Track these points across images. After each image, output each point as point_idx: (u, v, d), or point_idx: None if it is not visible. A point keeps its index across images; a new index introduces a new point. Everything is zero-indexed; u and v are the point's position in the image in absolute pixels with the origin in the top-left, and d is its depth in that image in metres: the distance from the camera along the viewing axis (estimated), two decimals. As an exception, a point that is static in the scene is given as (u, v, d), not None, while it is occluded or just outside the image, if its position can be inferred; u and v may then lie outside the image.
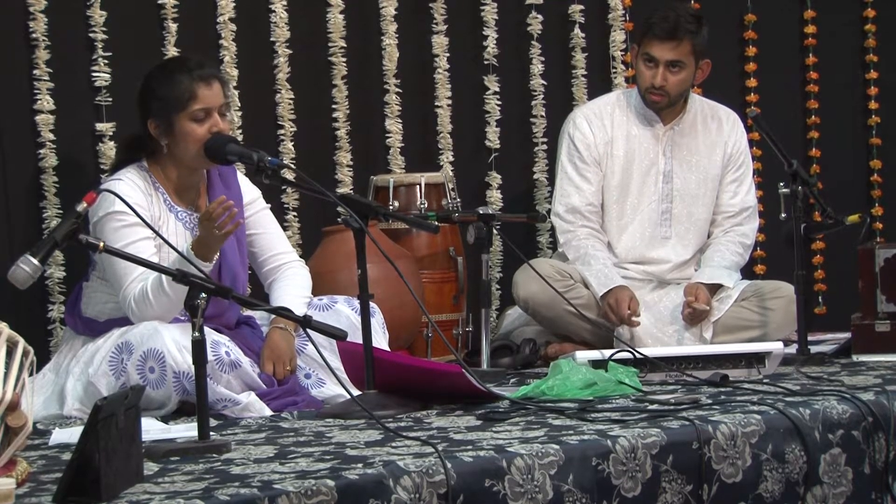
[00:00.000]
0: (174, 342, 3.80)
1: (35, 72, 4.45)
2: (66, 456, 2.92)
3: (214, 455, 3.25)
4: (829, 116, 5.73)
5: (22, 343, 3.09)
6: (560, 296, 4.58)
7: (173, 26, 4.66)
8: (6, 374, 3.03)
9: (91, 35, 4.54)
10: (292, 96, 4.87)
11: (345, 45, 4.96)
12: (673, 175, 4.83)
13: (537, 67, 5.31)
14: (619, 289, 4.63)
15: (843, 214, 4.60)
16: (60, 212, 4.39)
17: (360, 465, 3.07)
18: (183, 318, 3.70)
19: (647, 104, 4.80)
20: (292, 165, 4.67)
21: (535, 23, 5.29)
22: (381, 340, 4.07)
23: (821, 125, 5.70)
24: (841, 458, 3.56)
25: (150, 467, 3.12)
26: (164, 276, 3.76)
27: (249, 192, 4.30)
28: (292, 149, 4.85)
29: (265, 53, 4.85)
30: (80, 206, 3.58)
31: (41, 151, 4.46)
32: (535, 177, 5.32)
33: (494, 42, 5.23)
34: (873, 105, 5.78)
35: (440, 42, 5.14)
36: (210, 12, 4.73)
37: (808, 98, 5.68)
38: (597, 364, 4.03)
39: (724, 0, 5.60)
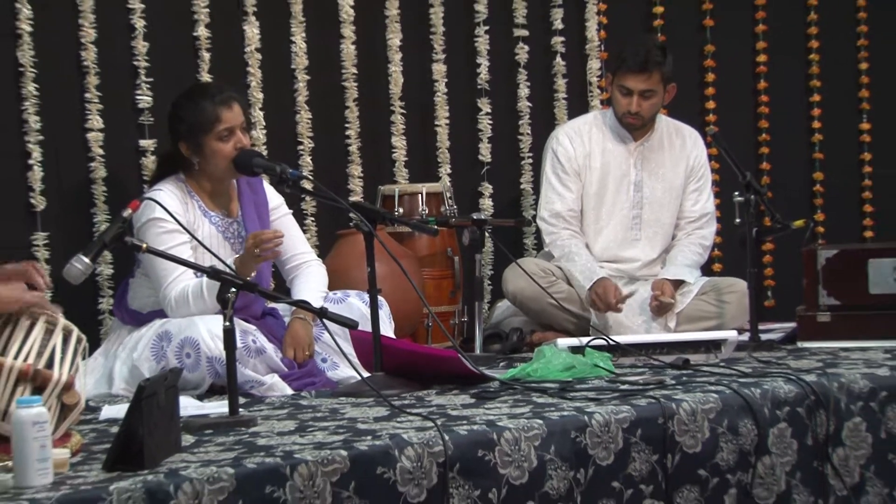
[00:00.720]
0: (208, 331, 3.81)
1: (86, 95, 4.46)
2: (114, 429, 2.92)
3: (242, 428, 3.26)
4: (777, 134, 5.73)
5: (76, 331, 3.09)
6: (544, 291, 4.61)
7: (206, 55, 4.67)
8: (62, 358, 3.03)
9: (135, 63, 4.54)
10: (310, 116, 4.87)
11: (356, 72, 4.96)
12: (643, 185, 4.85)
13: (523, 91, 5.32)
14: (604, 280, 4.66)
15: (790, 220, 4.61)
16: (108, 217, 4.38)
17: (369, 438, 3.08)
18: (216, 314, 3.71)
19: (624, 126, 4.84)
20: (310, 177, 4.68)
21: (522, 52, 5.30)
22: (387, 329, 4.09)
23: (770, 142, 5.70)
24: (787, 432, 3.56)
25: (187, 439, 3.13)
26: (203, 284, 3.80)
27: (274, 199, 4.32)
28: (310, 162, 4.85)
29: (286, 79, 4.85)
30: (126, 213, 3.60)
31: (91, 164, 4.47)
32: (522, 186, 5.32)
33: (486, 69, 5.24)
34: (816, 125, 5.78)
35: (439, 69, 5.15)
36: (239, 43, 4.74)
37: (760, 118, 5.68)
38: (575, 350, 4.03)
39: (686, 32, 5.57)
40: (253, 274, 3.94)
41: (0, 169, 4.34)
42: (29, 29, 4.34)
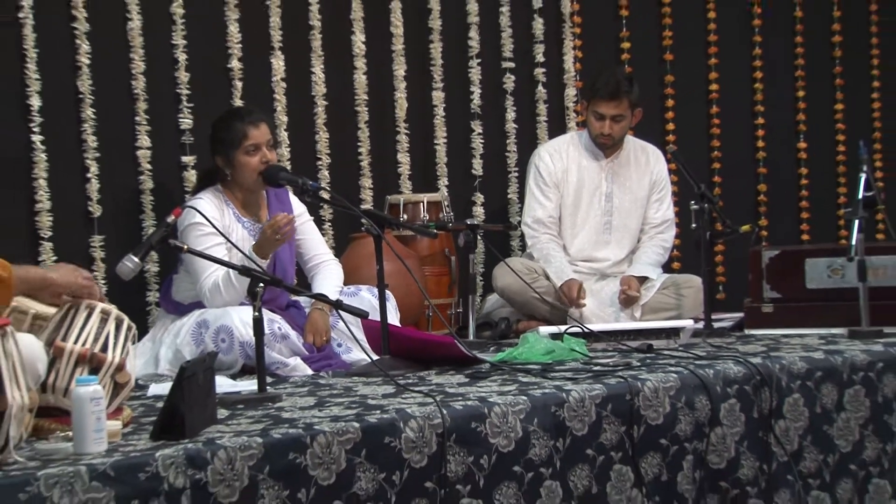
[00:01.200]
0: (240, 320, 3.81)
1: (136, 118, 4.46)
2: (160, 405, 2.91)
3: (269, 404, 3.27)
4: (727, 151, 5.74)
5: (126, 320, 3.09)
6: (528, 286, 4.59)
7: (239, 84, 4.67)
8: (115, 343, 3.03)
9: (178, 91, 4.54)
10: (327, 136, 4.87)
11: (367, 98, 4.96)
12: (612, 196, 4.85)
13: (510, 115, 5.31)
14: (571, 280, 4.67)
15: (738, 225, 4.61)
16: (155, 223, 4.38)
17: (378, 412, 3.08)
18: (246, 301, 3.71)
19: (597, 145, 4.85)
20: (327, 188, 4.68)
21: (509, 81, 5.29)
22: (393, 318, 4.07)
23: (721, 158, 5.71)
24: (736, 406, 3.56)
25: (222, 413, 3.14)
26: (231, 272, 3.79)
27: (297, 207, 4.33)
28: (327, 175, 4.85)
29: (307, 104, 4.84)
30: (170, 219, 3.61)
31: (140, 177, 4.47)
32: (509, 196, 5.31)
33: (478, 96, 5.24)
34: (760, 144, 5.78)
35: (438, 96, 5.14)
36: (266, 73, 4.74)
37: (712, 138, 5.69)
38: (555, 336, 4.03)
39: (649, 65, 5.57)
40: (266, 263, 3.93)
41: (63, 182, 4.33)
42: (87, 61, 4.35)
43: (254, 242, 4.00)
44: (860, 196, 4.18)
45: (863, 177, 4.23)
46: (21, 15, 4.22)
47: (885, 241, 4.22)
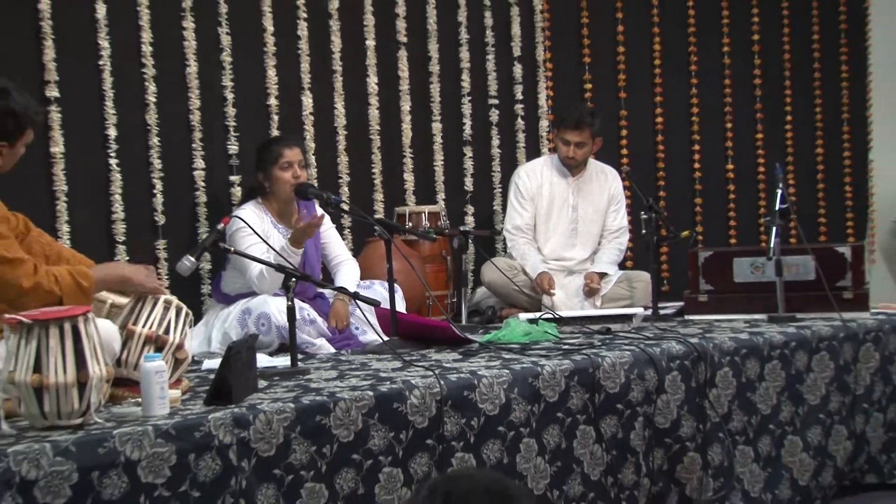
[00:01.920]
0: (276, 308, 3.81)
1: (193, 144, 4.46)
2: (212, 376, 2.91)
3: (300, 376, 3.28)
4: (670, 172, 5.74)
5: (184, 308, 3.11)
6: (510, 281, 4.61)
7: (276, 117, 4.67)
8: (175, 327, 3.04)
9: (226, 123, 4.54)
10: (347, 159, 4.88)
11: (379, 128, 4.97)
12: (578, 207, 4.86)
13: (495, 142, 5.32)
14: (543, 273, 4.67)
15: (679, 231, 4.61)
16: (207, 229, 4.38)
17: (388, 382, 3.08)
18: (280, 293, 3.73)
19: (565, 166, 4.85)
20: (346, 201, 4.69)
21: (494, 115, 5.30)
22: (401, 307, 4.08)
23: (665, 177, 5.71)
24: (678, 378, 3.56)
25: (262, 383, 3.14)
26: (264, 270, 3.84)
27: (320, 212, 4.33)
28: (347, 190, 4.85)
29: (331, 133, 4.86)
30: (220, 226, 3.66)
31: (196, 192, 4.47)
32: (494, 208, 5.32)
33: (469, 126, 5.24)
34: (696, 165, 5.78)
35: (437, 126, 5.15)
36: (298, 109, 4.74)
37: (658, 161, 5.68)
38: (531, 321, 4.02)
39: (607, 101, 5.56)
40: (301, 252, 3.97)
41: (134, 196, 4.32)
42: (154, 99, 4.34)
43: (285, 247, 4.03)
44: (777, 208, 4.19)
45: (779, 192, 4.24)
46: (101, 62, 4.22)
47: (796, 245, 4.23)
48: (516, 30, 5.32)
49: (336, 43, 4.82)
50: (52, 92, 4.12)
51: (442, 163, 5.15)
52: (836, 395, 3.93)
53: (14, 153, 2.94)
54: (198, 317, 4.11)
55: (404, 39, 5.01)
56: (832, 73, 6.22)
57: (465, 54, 5.19)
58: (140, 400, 2.74)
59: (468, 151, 5.22)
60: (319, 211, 4.30)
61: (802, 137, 6.13)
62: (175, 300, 3.05)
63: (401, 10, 4.98)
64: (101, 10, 4.21)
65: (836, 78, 6.23)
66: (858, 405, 4.00)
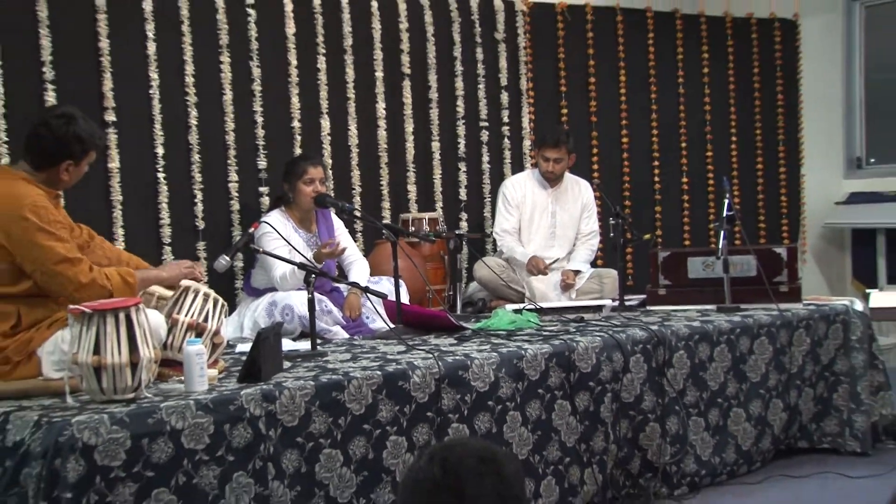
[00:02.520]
0: (299, 300, 3.82)
1: (228, 161, 4.47)
2: (244, 358, 2.90)
3: (319, 358, 3.27)
4: (634, 184, 5.74)
5: (221, 300, 3.13)
6: (498, 277, 4.62)
7: (298, 138, 4.67)
8: (213, 315, 3.04)
9: (257, 143, 4.54)
10: (359, 173, 4.88)
11: (386, 147, 4.97)
12: (556, 214, 4.86)
13: (485, 158, 5.32)
14: (534, 256, 4.71)
15: (642, 234, 4.62)
16: (240, 233, 4.37)
17: (394, 363, 3.09)
18: (302, 287, 3.71)
19: (545, 179, 4.84)
20: (358, 209, 4.69)
21: (484, 136, 5.30)
22: (405, 299, 4.08)
23: (630, 188, 5.71)
24: (641, 359, 3.55)
25: (286, 364, 3.14)
26: (288, 271, 3.87)
27: (337, 222, 4.38)
28: (359, 200, 4.85)
29: (345, 151, 4.86)
30: (251, 230, 3.68)
31: (231, 202, 4.48)
32: (485, 214, 5.31)
33: (463, 145, 5.23)
34: (657, 179, 5.77)
35: (435, 145, 5.15)
36: (317, 130, 4.74)
37: (624, 175, 5.68)
38: (516, 311, 4.02)
39: (580, 124, 5.56)
40: (322, 264, 3.97)
41: (178, 205, 4.32)
42: (195, 122, 4.35)
43: (306, 246, 4.06)
44: (724, 215, 4.19)
45: (726, 202, 4.24)
46: (151, 91, 4.22)
47: (740, 246, 4.22)
48: (503, 63, 5.31)
49: (350, 74, 4.81)
50: (110, 117, 4.13)
51: (440, 176, 5.14)
52: (774, 373, 3.94)
53: (79, 171, 2.97)
54: (232, 307, 4.11)
55: (408, 71, 5.00)
56: (770, 102, 6.25)
57: (459, 84, 5.18)
58: (183, 378, 2.74)
59: (462, 166, 5.21)
60: (335, 221, 4.33)
61: (745, 156, 6.15)
62: (212, 293, 3.05)
63: (405, 46, 4.98)
64: (151, 48, 4.22)
65: (773, 106, 6.27)
66: (792, 382, 4.00)
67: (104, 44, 4.11)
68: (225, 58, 4.43)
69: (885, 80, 6.46)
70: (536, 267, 4.63)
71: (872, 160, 6.55)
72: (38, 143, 2.88)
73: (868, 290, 4.37)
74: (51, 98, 3.94)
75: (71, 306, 2.60)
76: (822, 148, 6.43)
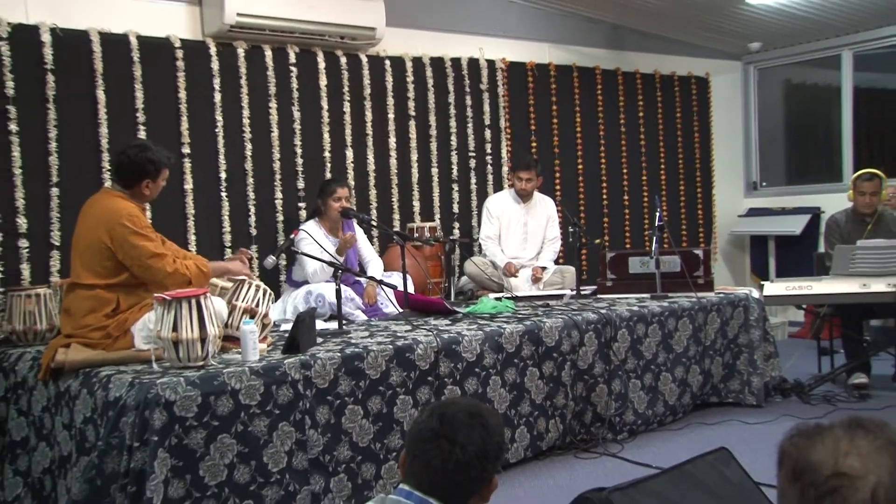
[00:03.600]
0: (328, 290, 3.80)
1: (275, 183, 4.43)
2: (286, 335, 2.89)
3: (344, 335, 3.25)
4: (588, 200, 5.71)
5: (268, 289, 3.11)
6: (483, 272, 4.58)
7: (328, 164, 4.63)
8: (263, 301, 3.03)
9: (296, 168, 4.51)
10: (375, 192, 4.84)
11: (396, 171, 4.93)
12: (527, 224, 4.79)
13: (473, 180, 5.28)
14: (509, 262, 4.63)
15: (593, 239, 4.63)
16: (283, 238, 4.35)
17: (402, 339, 3.08)
18: (330, 280, 3.70)
19: (519, 195, 4.76)
20: (375, 219, 4.66)
21: (472, 162, 5.26)
22: (410, 289, 4.05)
23: (584, 204, 5.68)
24: (593, 335, 3.55)
25: (319, 340, 3.11)
26: (318, 266, 3.83)
27: (358, 230, 4.33)
28: (374, 212, 4.81)
29: (365, 176, 4.82)
30: (291, 236, 3.69)
31: (276, 213, 4.44)
32: (472, 224, 5.27)
33: (456, 170, 5.19)
34: (604, 197, 5.75)
35: (434, 171, 5.11)
36: (342, 159, 4.70)
37: (580, 193, 5.64)
38: (497, 299, 4.02)
39: (546, 153, 5.55)
40: (343, 258, 3.96)
41: (236, 216, 4.29)
42: (250, 153, 4.32)
43: (335, 248, 4.02)
44: (656, 224, 4.19)
45: (657, 214, 4.22)
46: (216, 129, 4.20)
47: (668, 248, 4.21)
48: (486, 108, 5.29)
49: (368, 116, 4.78)
50: (186, 149, 4.11)
51: (437, 194, 5.11)
52: (693, 346, 3.94)
53: (157, 186, 3.01)
54: (277, 295, 4.08)
55: (413, 113, 4.98)
56: (689, 139, 6.26)
57: (452, 123, 5.16)
58: (240, 350, 2.72)
59: (455, 186, 5.19)
60: (357, 229, 4.31)
61: (671, 179, 6.14)
62: (262, 285, 3.04)
63: (410, 94, 4.95)
64: (217, 97, 4.21)
65: (692, 142, 6.28)
66: (706, 352, 4.01)
67: (182, 95, 4.09)
68: (273, 104, 4.40)
69: (772, 122, 6.70)
70: (509, 271, 4.58)
71: (764, 183, 6.67)
72: (121, 167, 2.96)
73: (762, 283, 4.37)
74: (142, 135, 3.91)
75: (156, 294, 2.65)
76: (728, 174, 6.54)
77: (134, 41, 3.91)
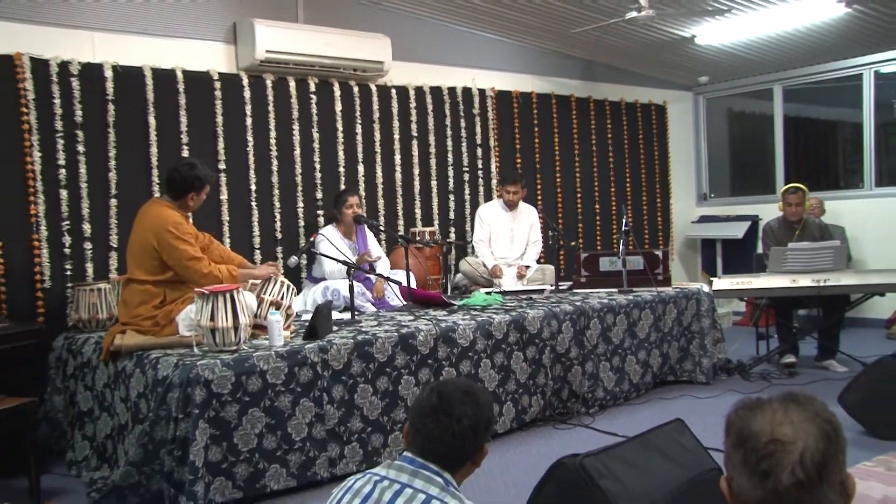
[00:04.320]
0: (343, 286, 3.76)
1: (297, 194, 4.39)
2: (307, 324, 2.87)
3: (356, 324, 3.23)
4: (565, 208, 5.69)
5: (291, 285, 3.11)
6: (475, 270, 4.56)
7: (342, 178, 4.61)
8: (287, 295, 3.01)
9: (315, 182, 4.48)
10: (383, 202, 4.81)
11: (401, 184, 4.90)
12: (514, 229, 4.76)
13: (467, 191, 5.25)
14: (496, 265, 4.59)
15: (569, 242, 4.60)
16: (304, 241, 4.33)
17: (406, 327, 3.06)
18: (344, 277, 3.68)
19: (507, 205, 4.72)
20: (382, 224, 4.64)
21: (465, 176, 5.23)
22: (412, 285, 4.03)
23: (562, 211, 5.66)
24: (569, 324, 3.54)
25: (335, 328, 3.09)
26: (335, 265, 3.79)
27: (369, 233, 4.28)
28: (382, 218, 4.79)
29: (375, 188, 4.79)
30: (311, 239, 3.63)
31: (298, 220, 4.40)
32: (466, 229, 5.25)
33: (452, 183, 5.18)
34: (579, 206, 5.74)
35: (433, 183, 5.08)
36: (355, 174, 4.68)
37: (558, 203, 5.63)
38: (488, 293, 4.01)
39: (529, 168, 5.54)
40: (362, 263, 3.91)
41: (264, 223, 4.26)
42: (275, 167, 4.30)
43: (349, 250, 4.00)
44: (623, 229, 4.19)
45: (625, 220, 4.24)
46: (247, 148, 4.18)
47: (633, 249, 4.20)
48: (478, 129, 5.28)
49: (377, 136, 4.76)
50: (222, 165, 4.09)
51: (436, 202, 5.08)
52: (654, 333, 3.94)
53: (199, 199, 3.03)
54: (298, 290, 4.06)
55: (415, 134, 4.96)
56: (650, 157, 6.25)
57: (449, 143, 5.15)
58: (268, 337, 2.71)
59: (451, 196, 5.17)
60: (368, 233, 4.26)
61: (636, 191, 6.12)
62: (286, 281, 3.03)
63: (413, 118, 4.94)
64: (248, 121, 4.19)
65: (653, 159, 6.27)
66: (665, 338, 4.00)
67: (219, 119, 4.08)
68: (295, 127, 4.38)
69: (718, 144, 6.83)
70: (495, 273, 4.55)
71: (713, 195, 6.73)
72: (172, 181, 2.97)
73: (711, 279, 4.38)
74: (185, 155, 3.91)
75: (196, 289, 2.65)
76: (683, 186, 6.56)
77: (180, 75, 3.92)
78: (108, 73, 3.68)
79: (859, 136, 5.66)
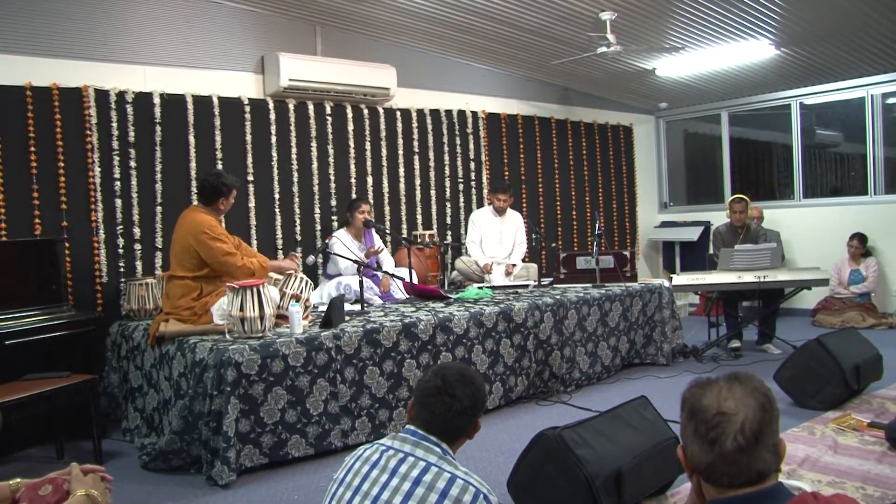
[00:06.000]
0: (354, 281, 3.75)
1: (313, 202, 4.37)
2: (323, 314, 2.86)
3: (365, 315, 3.21)
4: (546, 214, 5.68)
5: (309, 280, 3.09)
6: (468, 268, 4.54)
7: (353, 189, 4.59)
8: (305, 289, 3.01)
9: (329, 190, 4.46)
10: (388, 209, 4.79)
11: (404, 194, 4.88)
12: (503, 232, 4.74)
13: (461, 201, 5.24)
14: (486, 263, 4.57)
15: (550, 243, 4.59)
16: (321, 242, 4.31)
17: (409, 317, 3.04)
18: (355, 274, 3.67)
19: (496, 211, 4.69)
20: (388, 228, 4.62)
21: (460, 186, 5.22)
22: (415, 280, 4.02)
23: (544, 217, 5.65)
24: (550, 315, 3.54)
25: (347, 318, 3.08)
26: (347, 263, 3.77)
27: (376, 236, 4.27)
28: (388, 223, 4.77)
29: (381, 198, 4.77)
30: (326, 240, 3.61)
31: (315, 224, 4.37)
32: (461, 232, 5.24)
33: (449, 192, 5.16)
34: (558, 212, 5.70)
35: (433, 193, 5.07)
36: (364, 184, 4.66)
37: (540, 210, 5.64)
38: (480, 288, 3.99)
39: (515, 180, 5.52)
40: (369, 259, 3.90)
41: (286, 227, 4.23)
42: (296, 179, 4.27)
43: (359, 250, 3.98)
44: (596, 232, 4.21)
45: (597, 224, 4.26)
46: (272, 163, 4.17)
47: (605, 250, 4.21)
48: (471, 146, 5.27)
49: (383, 152, 4.74)
50: (250, 177, 4.09)
51: (435, 209, 5.06)
52: (622, 322, 3.94)
53: (228, 203, 3.07)
54: (316, 284, 4.04)
55: (416, 150, 4.95)
56: (619, 171, 6.25)
57: (446, 157, 5.13)
58: (289, 325, 2.70)
59: (448, 204, 5.15)
60: (375, 235, 4.25)
61: (607, 200, 6.10)
62: (305, 277, 3.03)
63: (415, 136, 4.92)
64: (273, 139, 4.19)
65: (621, 173, 6.27)
66: (632, 326, 4.00)
67: (248, 138, 4.07)
68: (313, 144, 4.37)
69: (676, 160, 6.93)
70: (486, 270, 4.54)
71: (672, 203, 6.82)
72: (203, 189, 3.04)
73: (671, 275, 4.40)
74: (220, 167, 3.92)
75: (228, 283, 2.65)
76: (646, 196, 6.60)
77: (215, 101, 3.95)
78: (157, 101, 3.77)
79: (790, 156, 5.95)
